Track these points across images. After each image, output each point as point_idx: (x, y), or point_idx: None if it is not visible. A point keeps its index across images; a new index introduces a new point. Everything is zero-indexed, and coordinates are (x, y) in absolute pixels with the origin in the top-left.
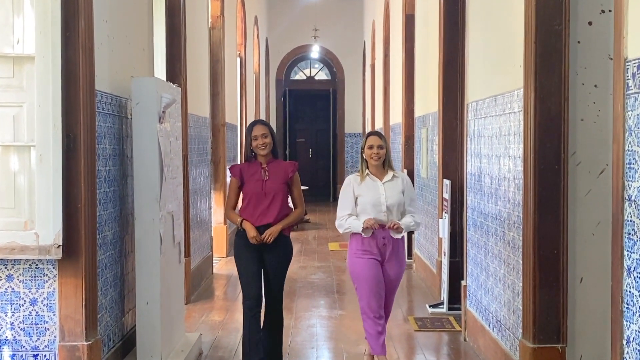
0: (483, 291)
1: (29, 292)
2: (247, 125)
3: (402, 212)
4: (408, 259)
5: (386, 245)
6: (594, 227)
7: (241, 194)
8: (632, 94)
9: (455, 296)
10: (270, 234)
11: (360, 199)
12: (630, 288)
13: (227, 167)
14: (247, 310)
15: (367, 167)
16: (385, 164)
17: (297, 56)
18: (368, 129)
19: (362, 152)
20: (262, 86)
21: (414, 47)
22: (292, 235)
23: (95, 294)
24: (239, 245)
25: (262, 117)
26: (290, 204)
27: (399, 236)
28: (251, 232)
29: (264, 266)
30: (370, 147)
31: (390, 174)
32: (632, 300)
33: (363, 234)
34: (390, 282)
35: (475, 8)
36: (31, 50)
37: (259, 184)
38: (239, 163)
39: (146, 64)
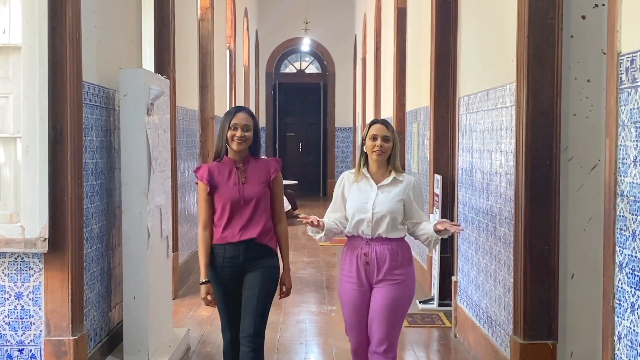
0: (474, 287)
1: (15, 285)
2: (227, 110)
3: (397, 225)
4: None
5: (370, 264)
6: (586, 222)
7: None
8: (625, 88)
9: (446, 292)
10: (287, 292)
11: (348, 203)
12: (621, 284)
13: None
14: (227, 344)
15: (367, 164)
16: (389, 163)
17: (288, 49)
18: (359, 124)
19: (362, 144)
20: (251, 79)
21: (405, 40)
22: None
23: (81, 288)
24: (216, 269)
25: (252, 110)
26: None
27: (443, 236)
28: (202, 294)
29: (243, 291)
30: (374, 138)
31: (391, 176)
32: (623, 296)
33: (312, 236)
34: (378, 310)
35: (467, 1)
36: (17, 40)
37: (235, 189)
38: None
39: (134, 55)
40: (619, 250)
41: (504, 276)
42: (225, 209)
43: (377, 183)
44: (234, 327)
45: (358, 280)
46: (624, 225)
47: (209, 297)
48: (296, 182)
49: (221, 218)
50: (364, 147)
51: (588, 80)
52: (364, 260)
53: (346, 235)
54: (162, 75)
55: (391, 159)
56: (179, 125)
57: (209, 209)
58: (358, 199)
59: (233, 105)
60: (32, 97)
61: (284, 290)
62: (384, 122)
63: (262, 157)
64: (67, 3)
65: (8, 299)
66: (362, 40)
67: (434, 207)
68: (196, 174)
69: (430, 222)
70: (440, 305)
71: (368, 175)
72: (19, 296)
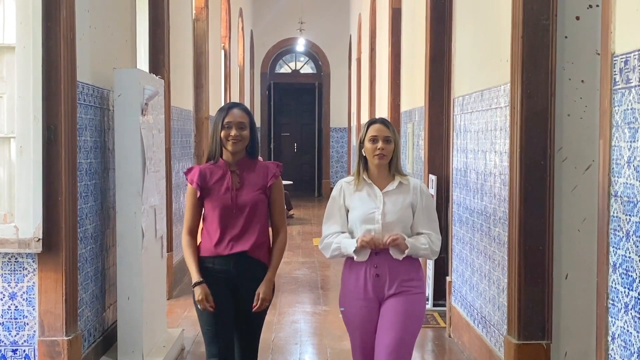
0: (468, 287)
1: (8, 286)
2: (220, 107)
3: (408, 233)
4: None
5: (380, 277)
6: (580, 223)
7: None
8: (619, 89)
9: (440, 292)
10: (261, 303)
11: (351, 213)
12: (615, 284)
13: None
14: None
15: (367, 169)
16: (391, 166)
17: (283, 49)
18: (354, 124)
19: (359, 147)
20: (246, 79)
21: (400, 41)
22: None
23: (75, 289)
24: (205, 281)
25: None
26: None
27: (399, 256)
28: (200, 296)
29: (237, 308)
30: (373, 140)
31: (396, 180)
32: (617, 297)
33: (355, 257)
34: (390, 317)
35: (462, 2)
36: (11, 40)
37: (227, 196)
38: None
39: (129, 55)
40: (613, 250)
41: (498, 276)
42: (216, 217)
43: (380, 189)
44: (220, 335)
45: (365, 296)
46: (618, 225)
47: (206, 298)
48: (291, 182)
49: (211, 227)
50: (363, 151)
51: (582, 81)
52: (373, 273)
53: None
54: (156, 75)
55: (393, 161)
56: (174, 125)
57: (196, 215)
58: (363, 209)
59: None
60: (26, 97)
61: (258, 300)
62: (384, 122)
63: (260, 159)
64: (61, 3)
65: (2, 299)
66: (357, 41)
67: None
68: (186, 176)
69: (420, 237)
70: (434, 305)
71: (370, 181)
72: (12, 296)
